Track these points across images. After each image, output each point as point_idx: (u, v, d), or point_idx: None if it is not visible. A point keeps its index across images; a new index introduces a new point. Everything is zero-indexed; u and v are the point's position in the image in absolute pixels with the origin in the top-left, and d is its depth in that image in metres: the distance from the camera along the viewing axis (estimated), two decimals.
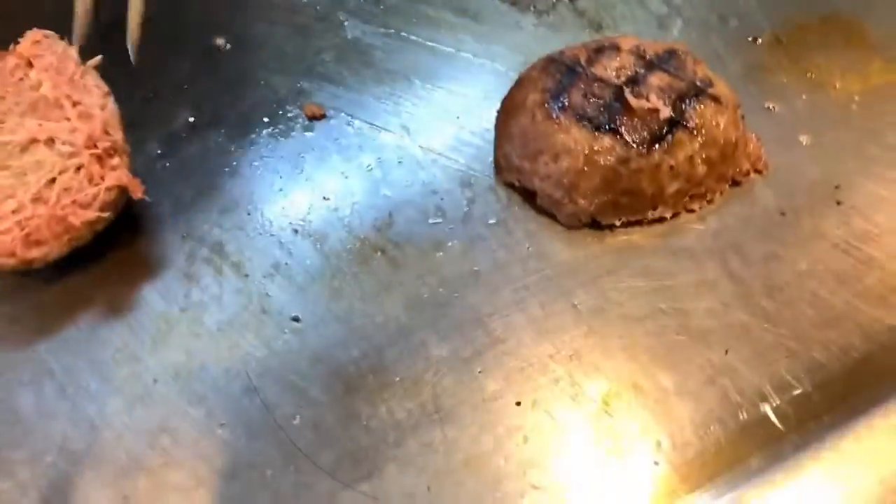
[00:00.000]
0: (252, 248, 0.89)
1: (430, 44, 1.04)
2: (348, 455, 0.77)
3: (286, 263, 0.88)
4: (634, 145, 0.85)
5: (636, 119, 0.86)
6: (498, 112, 0.96)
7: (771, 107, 0.99)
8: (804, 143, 0.96)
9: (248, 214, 0.91)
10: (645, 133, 0.86)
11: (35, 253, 0.78)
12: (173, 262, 0.88)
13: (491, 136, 0.96)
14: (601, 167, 0.85)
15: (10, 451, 0.78)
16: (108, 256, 0.88)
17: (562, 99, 0.88)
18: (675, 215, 0.90)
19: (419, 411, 0.79)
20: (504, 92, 0.98)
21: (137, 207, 0.90)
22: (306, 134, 0.97)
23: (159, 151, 0.95)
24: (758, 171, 0.94)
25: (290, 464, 0.77)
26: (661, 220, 0.90)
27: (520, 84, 0.94)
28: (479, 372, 0.82)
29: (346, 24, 1.06)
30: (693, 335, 0.84)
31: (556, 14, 1.07)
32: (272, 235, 0.89)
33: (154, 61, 1.01)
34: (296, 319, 0.85)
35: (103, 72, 0.87)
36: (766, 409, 0.80)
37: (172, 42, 1.04)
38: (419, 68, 1.03)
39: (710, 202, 0.92)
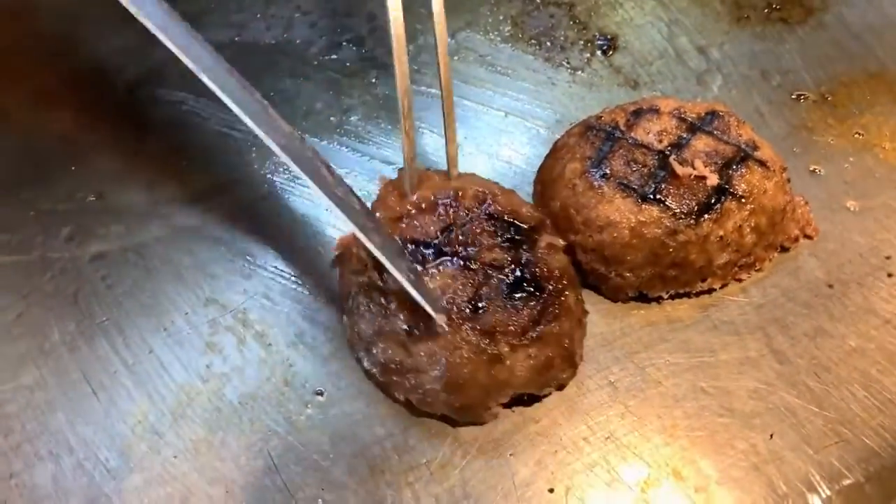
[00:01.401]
0: (276, 315, 0.86)
1: (461, 101, 1.02)
2: None
3: (310, 332, 0.85)
4: (683, 216, 0.81)
5: (683, 188, 0.82)
6: (535, 184, 0.93)
7: (816, 169, 0.95)
8: (852, 208, 0.92)
9: (272, 279, 0.89)
10: (693, 202, 0.82)
11: None
12: (196, 330, 0.86)
13: (524, 197, 0.92)
14: (648, 240, 0.81)
15: None
16: (129, 322, 0.86)
17: (603, 167, 0.85)
18: (723, 286, 0.86)
19: (447, 497, 0.76)
20: (539, 151, 0.95)
21: (157, 270, 0.89)
22: None
23: (181, 213, 0.94)
24: (807, 237, 0.90)
25: None
26: (710, 291, 0.86)
27: (556, 153, 0.91)
28: (511, 455, 0.78)
29: (375, 81, 1.04)
30: (736, 417, 0.79)
31: (590, 70, 1.04)
32: (297, 302, 0.87)
33: (182, 116, 1.00)
34: (319, 393, 0.82)
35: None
36: (815, 500, 0.75)
37: (200, 95, 1.03)
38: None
39: (759, 271, 0.88)
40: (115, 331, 0.86)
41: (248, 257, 0.90)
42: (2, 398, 0.83)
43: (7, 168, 0.98)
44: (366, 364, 0.80)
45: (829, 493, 0.76)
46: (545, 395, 0.81)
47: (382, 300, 0.78)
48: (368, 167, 0.97)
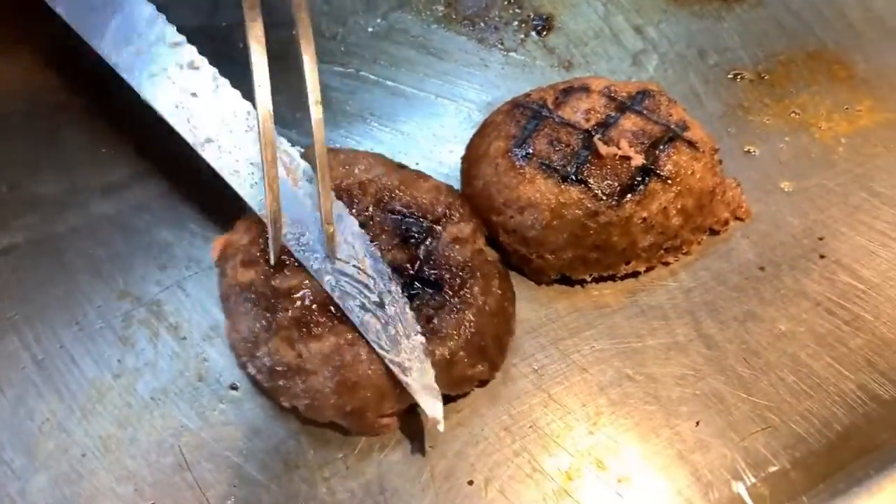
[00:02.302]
0: (192, 307, 0.83)
1: (390, 83, 0.99)
2: None
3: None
4: (604, 197, 0.79)
5: (606, 168, 0.80)
6: (462, 160, 0.90)
7: (751, 150, 0.93)
8: (786, 189, 0.90)
9: (187, 269, 0.86)
10: (615, 183, 0.80)
11: None
12: (109, 323, 0.83)
13: (452, 181, 0.90)
14: (568, 221, 0.79)
15: None
16: (40, 316, 0.83)
17: (526, 146, 0.82)
18: (648, 269, 0.84)
19: (362, 492, 0.73)
20: (469, 134, 0.92)
21: (71, 263, 0.85)
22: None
23: (98, 203, 0.90)
24: (738, 219, 0.88)
25: None
26: (636, 274, 0.84)
27: (483, 130, 0.89)
28: (430, 447, 0.76)
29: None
30: (662, 405, 0.78)
31: (524, 51, 1.02)
32: (212, 294, 0.84)
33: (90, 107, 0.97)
34: (234, 388, 0.79)
35: None
36: (740, 488, 0.74)
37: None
38: (378, 109, 0.97)
39: (686, 254, 0.86)
40: (26, 326, 0.83)
41: (163, 248, 0.87)
42: None
43: None
44: (251, 370, 0.76)
45: (753, 480, 0.74)
46: (464, 395, 0.78)
47: (273, 297, 0.75)
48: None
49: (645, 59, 1.01)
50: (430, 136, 0.95)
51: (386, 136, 0.95)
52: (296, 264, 0.76)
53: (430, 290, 0.75)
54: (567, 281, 0.84)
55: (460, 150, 0.93)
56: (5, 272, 0.87)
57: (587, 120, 0.85)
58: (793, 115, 0.96)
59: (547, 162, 0.82)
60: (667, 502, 0.73)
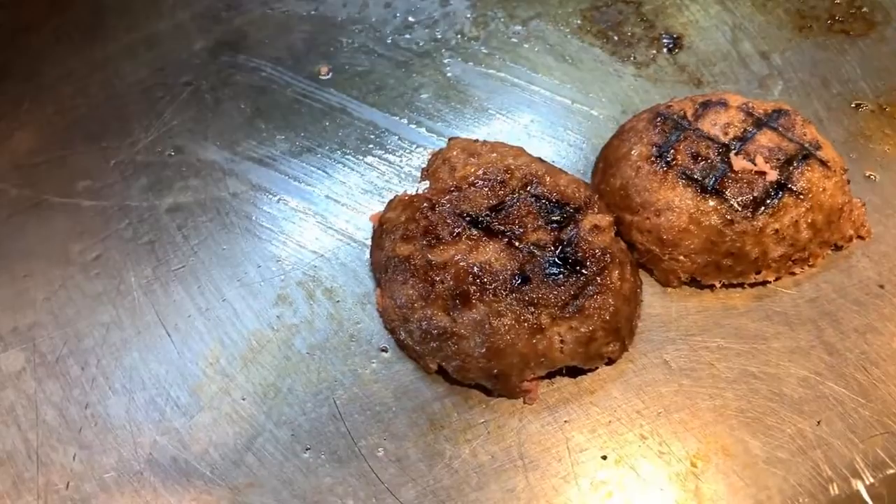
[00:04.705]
0: (346, 274, 0.90)
1: (529, 86, 1.05)
2: (430, 493, 0.77)
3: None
4: (740, 208, 0.84)
5: (742, 181, 0.86)
6: (597, 160, 0.96)
7: (872, 175, 0.98)
8: None
9: (342, 239, 0.92)
10: (750, 196, 0.85)
11: None
12: (268, 282, 0.89)
13: (586, 181, 0.96)
14: (705, 227, 0.84)
15: (100, 456, 0.79)
16: (203, 271, 0.90)
17: (668, 155, 0.88)
18: (777, 279, 0.89)
19: (503, 456, 0.79)
20: (601, 138, 0.98)
21: (232, 225, 0.93)
22: (402, 165, 0.99)
23: (257, 172, 0.97)
24: (860, 237, 0.93)
25: (372, 497, 0.77)
26: (764, 283, 0.89)
27: (623, 134, 0.94)
28: (565, 422, 0.81)
29: (447, 62, 1.07)
30: (785, 403, 0.82)
31: (656, 66, 1.07)
32: (366, 265, 0.90)
33: (260, 81, 1.04)
34: (384, 350, 0.85)
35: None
36: (859, 486, 0.78)
37: (278, 63, 1.07)
38: (515, 109, 1.03)
39: (811, 266, 0.91)
40: (191, 278, 0.90)
41: (321, 217, 0.94)
42: (80, 332, 0.87)
43: (90, 118, 1.03)
44: (401, 334, 0.83)
45: (872, 480, 0.78)
46: (593, 369, 0.84)
47: (430, 270, 0.81)
48: (437, 144, 1.00)
49: (771, 83, 1.06)
50: (565, 136, 1.01)
51: (523, 133, 1.02)
52: (449, 239, 0.82)
53: (573, 271, 0.81)
54: (697, 285, 0.89)
55: (592, 151, 0.99)
56: (171, 228, 0.94)
57: (725, 133, 0.90)
58: None
59: (687, 172, 0.87)
60: (788, 493, 0.77)
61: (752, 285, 0.89)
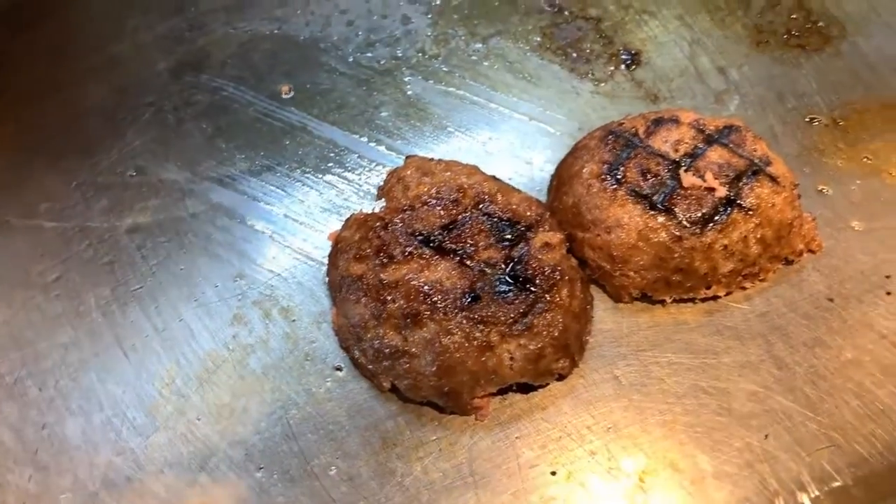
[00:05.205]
0: (303, 293, 0.91)
1: (488, 104, 1.07)
2: None
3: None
4: (688, 224, 0.85)
5: (692, 198, 0.87)
6: (552, 177, 0.97)
7: (824, 189, 0.99)
8: (856, 228, 0.96)
9: (299, 258, 0.94)
10: (699, 212, 0.86)
11: None
12: (225, 302, 0.90)
13: (540, 196, 0.97)
14: (654, 244, 0.86)
15: (56, 477, 0.80)
16: (161, 291, 0.91)
17: (618, 172, 0.89)
18: (727, 294, 0.90)
19: (454, 473, 0.80)
20: (558, 155, 0.99)
21: (191, 245, 0.94)
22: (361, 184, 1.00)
23: (217, 192, 0.99)
24: (811, 251, 0.94)
25: None
26: (715, 298, 0.90)
27: (576, 152, 0.96)
28: (516, 438, 0.82)
29: (407, 80, 1.09)
30: (733, 417, 0.83)
31: (613, 83, 1.09)
32: (322, 284, 0.91)
33: (222, 101, 1.06)
34: (338, 369, 0.86)
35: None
36: (805, 499, 0.79)
37: (240, 83, 1.08)
38: (475, 126, 1.05)
39: (762, 281, 0.92)
40: (149, 298, 0.91)
41: (279, 236, 0.95)
42: (38, 354, 0.87)
43: (52, 139, 1.04)
44: (355, 353, 0.84)
45: (818, 493, 0.79)
46: (543, 385, 0.85)
47: (382, 289, 0.82)
48: (396, 161, 1.01)
49: (727, 98, 1.07)
50: (522, 153, 1.02)
51: (481, 150, 1.03)
52: (401, 258, 0.83)
53: (523, 289, 0.82)
54: (648, 300, 0.90)
55: (549, 169, 1.00)
56: (130, 249, 0.95)
57: (676, 150, 0.91)
58: (865, 160, 1.02)
59: (637, 189, 0.88)
60: None
61: (703, 300, 0.90)
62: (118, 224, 0.96)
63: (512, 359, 0.80)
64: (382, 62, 1.11)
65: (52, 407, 0.84)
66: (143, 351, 0.87)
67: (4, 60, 1.11)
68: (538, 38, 1.13)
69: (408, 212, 0.87)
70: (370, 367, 0.83)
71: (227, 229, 0.96)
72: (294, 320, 0.89)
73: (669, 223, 0.86)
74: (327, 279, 0.90)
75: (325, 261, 0.92)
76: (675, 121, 0.94)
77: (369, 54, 1.12)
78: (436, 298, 0.81)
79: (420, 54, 1.11)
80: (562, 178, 0.95)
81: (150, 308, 0.90)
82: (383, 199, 0.91)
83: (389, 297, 0.81)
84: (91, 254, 0.94)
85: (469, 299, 0.80)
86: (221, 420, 0.83)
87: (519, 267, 0.83)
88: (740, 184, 0.89)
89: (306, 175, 1.00)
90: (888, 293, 0.91)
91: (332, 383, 0.85)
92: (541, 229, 0.87)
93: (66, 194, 0.99)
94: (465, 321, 0.80)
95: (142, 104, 1.06)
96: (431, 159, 0.94)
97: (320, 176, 1.00)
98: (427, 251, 0.84)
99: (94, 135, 1.04)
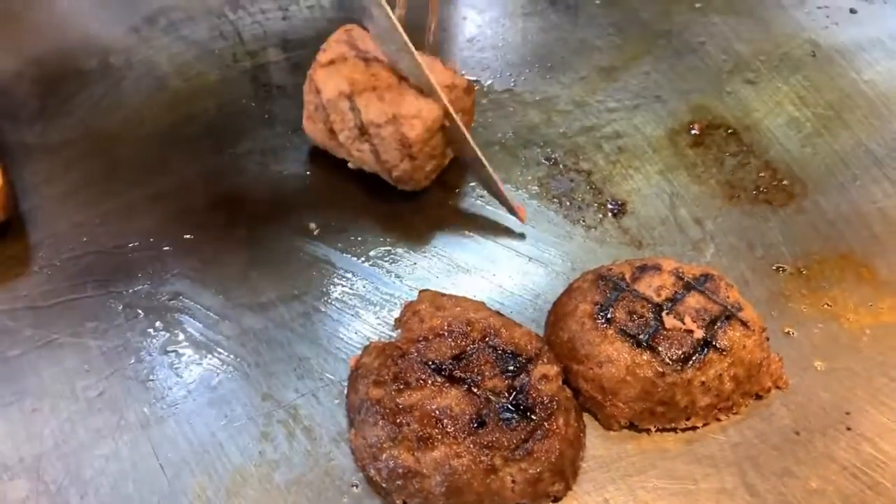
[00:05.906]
0: (323, 414, 1.01)
1: (491, 244, 1.20)
2: None
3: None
4: (670, 362, 0.97)
5: (673, 338, 0.99)
6: (549, 313, 1.09)
7: (790, 332, 1.11)
8: (819, 368, 1.08)
9: (321, 381, 1.04)
10: (680, 351, 0.98)
11: None
12: (253, 420, 1.00)
13: (539, 330, 1.08)
14: (640, 379, 0.97)
15: None
16: (195, 407, 1.00)
17: (608, 312, 1.01)
18: (704, 424, 1.01)
19: None
20: (555, 291, 1.12)
21: (224, 363, 1.04)
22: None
23: (249, 317, 1.10)
24: (779, 388, 1.05)
25: None
26: (694, 428, 1.00)
27: (571, 292, 1.08)
28: None
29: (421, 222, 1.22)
30: None
31: (602, 229, 1.23)
32: (341, 404, 1.01)
33: (256, 235, 1.18)
34: (354, 486, 0.95)
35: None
36: None
37: (273, 220, 1.21)
38: (480, 265, 1.17)
39: (735, 414, 1.03)
40: (183, 415, 1.00)
41: (302, 360, 1.06)
42: (81, 464, 0.96)
43: (99, 265, 1.15)
44: (371, 471, 0.93)
45: None
46: None
47: (398, 413, 0.92)
48: (410, 294, 1.13)
49: (703, 246, 1.21)
50: (523, 290, 1.15)
51: (486, 287, 1.15)
52: (415, 385, 0.94)
53: (524, 416, 0.92)
54: (635, 429, 1.00)
55: (546, 305, 1.12)
56: (165, 367, 1.05)
57: (658, 295, 1.04)
58: (825, 306, 1.15)
59: (625, 328, 1.00)
60: None
61: (683, 430, 1.01)
62: (156, 344, 1.07)
63: (514, 482, 0.90)
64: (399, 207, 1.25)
65: None
66: (177, 464, 0.96)
67: (58, 193, 1.23)
68: (536, 188, 1.27)
69: (422, 342, 0.98)
70: (384, 485, 0.92)
71: (258, 352, 1.06)
72: (315, 438, 0.99)
73: (654, 360, 0.98)
74: (346, 401, 1.00)
75: (345, 384, 1.02)
76: (658, 268, 1.07)
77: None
78: (446, 423, 0.91)
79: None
80: (558, 314, 1.07)
81: (184, 423, 1.00)
82: (400, 330, 1.03)
83: (404, 421, 0.91)
84: (132, 372, 1.04)
85: (476, 424, 0.91)
86: None
87: (520, 396, 0.93)
88: (715, 327, 1.01)
89: (330, 305, 1.12)
90: (848, 428, 1.02)
91: (349, 499, 0.94)
92: (539, 362, 0.98)
93: (110, 315, 1.09)
94: (472, 445, 0.89)
95: (182, 237, 1.18)
96: (443, 294, 1.06)
97: (342, 305, 1.12)
98: (439, 379, 0.94)
99: (135, 262, 1.15)
